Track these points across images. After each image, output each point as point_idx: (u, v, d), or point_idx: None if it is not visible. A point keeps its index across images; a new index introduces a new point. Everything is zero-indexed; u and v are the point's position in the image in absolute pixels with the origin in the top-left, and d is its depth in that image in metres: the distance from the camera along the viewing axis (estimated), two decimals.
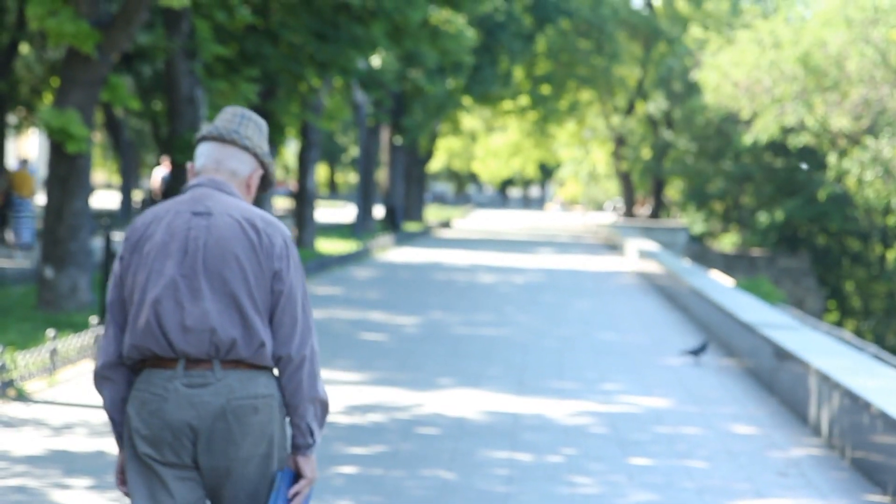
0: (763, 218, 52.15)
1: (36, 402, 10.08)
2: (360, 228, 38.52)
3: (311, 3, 23.27)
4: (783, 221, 50.48)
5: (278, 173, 73.79)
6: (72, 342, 11.65)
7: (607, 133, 64.88)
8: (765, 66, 39.57)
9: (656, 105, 58.85)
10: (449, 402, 10.76)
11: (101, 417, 9.49)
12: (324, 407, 3.99)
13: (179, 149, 20.03)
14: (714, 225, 58.08)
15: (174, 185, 20.13)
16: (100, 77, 15.51)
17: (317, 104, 30.34)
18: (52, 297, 15.41)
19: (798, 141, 40.36)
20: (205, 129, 4.11)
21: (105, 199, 56.42)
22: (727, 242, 55.01)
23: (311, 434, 3.97)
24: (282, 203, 62.88)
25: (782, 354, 11.51)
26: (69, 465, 7.96)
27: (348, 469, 8.10)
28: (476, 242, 41.90)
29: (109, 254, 14.23)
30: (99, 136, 53.62)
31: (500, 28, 45.15)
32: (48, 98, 35.15)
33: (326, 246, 31.90)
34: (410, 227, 47.14)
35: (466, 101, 49.26)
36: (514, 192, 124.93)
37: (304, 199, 31.89)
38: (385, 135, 48.42)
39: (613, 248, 40.96)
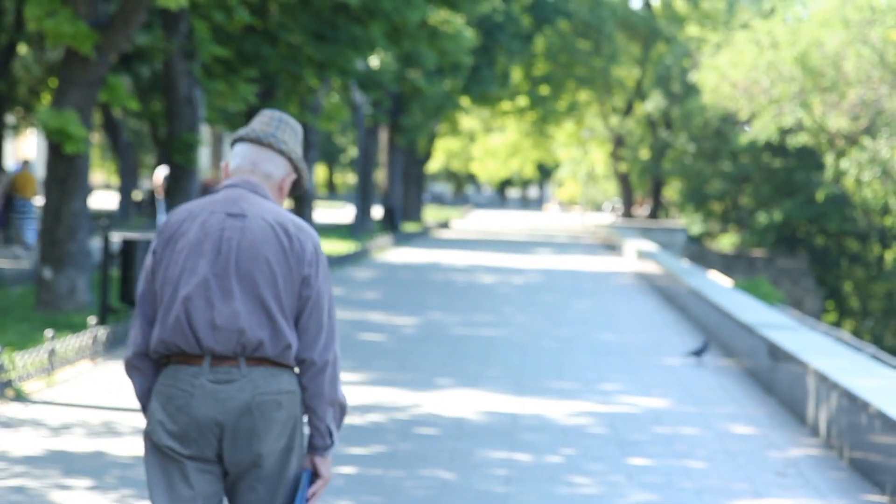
0: (761, 218, 52.17)
1: (34, 402, 10.08)
2: (358, 229, 38.52)
3: (309, 3, 23.28)
4: (781, 222, 50.49)
5: None
6: (70, 343, 11.65)
7: (606, 133, 64.91)
8: (763, 66, 39.59)
9: (655, 105, 58.86)
10: (448, 403, 10.76)
11: (100, 418, 9.49)
12: (342, 410, 4.10)
13: (178, 149, 20.02)
14: (712, 225, 58.10)
15: (174, 184, 20.12)
16: (98, 78, 15.51)
17: (315, 105, 30.34)
18: (50, 297, 15.41)
19: (796, 141, 40.38)
20: (242, 130, 4.18)
21: (103, 199, 56.41)
22: (726, 243, 55.03)
23: (330, 435, 4.06)
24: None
25: (781, 355, 11.52)
26: (68, 465, 7.96)
27: (347, 469, 8.10)
28: (475, 243, 41.90)
29: (108, 254, 14.23)
30: (97, 137, 53.62)
31: (499, 29, 45.16)
32: (46, 99, 35.14)
33: (325, 246, 31.89)
34: (409, 227, 47.14)
35: (465, 101, 49.27)
36: (513, 193, 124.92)
37: (302, 200, 31.89)
38: (384, 135, 48.43)
39: (612, 248, 40.96)
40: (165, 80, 20.41)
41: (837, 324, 46.01)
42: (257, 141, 4.13)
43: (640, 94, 61.27)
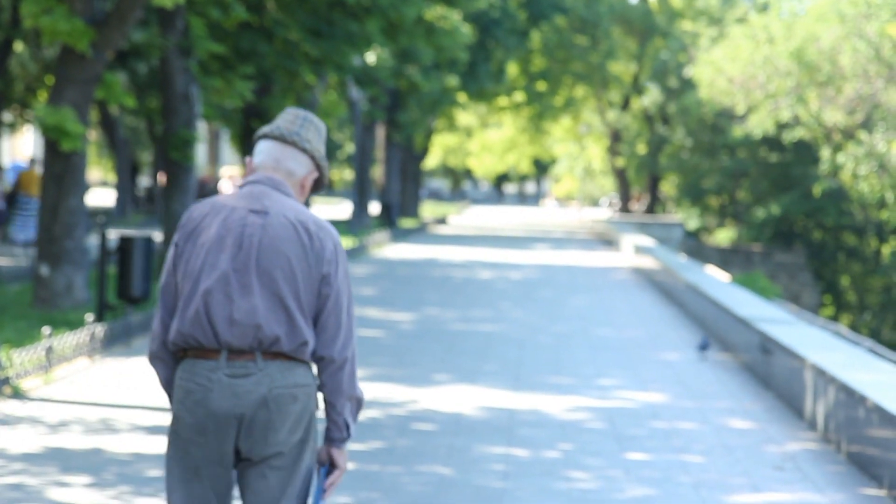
0: (758, 213, 52.18)
1: (32, 399, 10.08)
2: (355, 225, 38.51)
3: None
4: (779, 216, 50.51)
5: None
6: (67, 340, 11.64)
7: (602, 129, 64.90)
8: (759, 61, 39.58)
9: (651, 100, 58.85)
10: (445, 398, 10.76)
11: (97, 415, 9.49)
12: (359, 404, 4.18)
13: (174, 146, 20.01)
14: (710, 220, 58.13)
15: (171, 181, 20.11)
16: (94, 75, 15.50)
17: (312, 101, 30.32)
18: (47, 294, 15.40)
19: (792, 135, 40.37)
20: (266, 127, 4.22)
21: (100, 196, 56.37)
22: (723, 237, 55.06)
23: (347, 428, 4.15)
24: None
25: (778, 349, 11.52)
26: (66, 462, 7.96)
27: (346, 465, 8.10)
28: (472, 239, 41.90)
29: (105, 251, 14.22)
30: (94, 134, 53.58)
31: (495, 24, 45.14)
32: (43, 96, 35.10)
33: None
34: (406, 223, 47.13)
35: (461, 97, 49.25)
36: (510, 189, 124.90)
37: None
38: (380, 131, 48.42)
39: (609, 243, 40.97)
40: (162, 76, 20.40)
41: (835, 318, 46.04)
42: (281, 138, 4.17)
43: (636, 89, 61.26)
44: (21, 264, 21.67)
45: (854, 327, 43.78)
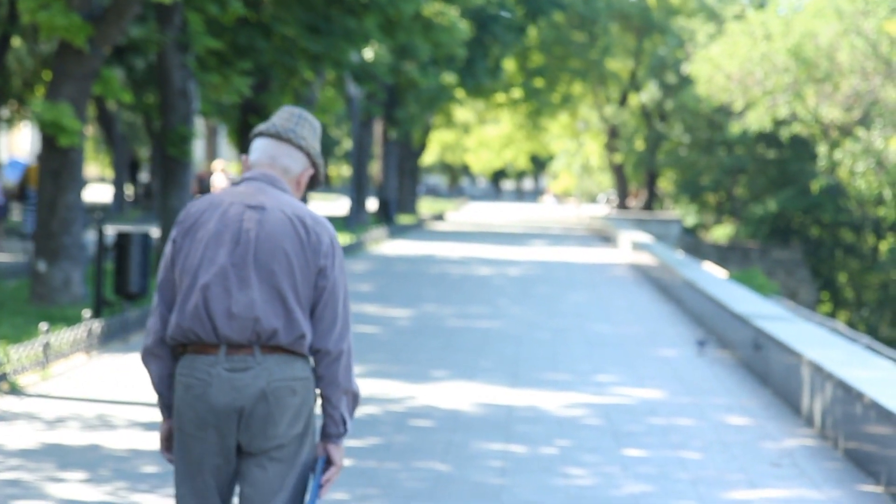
0: (756, 209, 52.18)
1: (29, 395, 10.08)
2: (353, 221, 38.51)
3: None
4: (776, 213, 50.51)
5: None
6: (65, 336, 11.64)
7: (600, 125, 64.89)
8: (756, 58, 39.57)
9: (649, 96, 58.84)
10: (443, 395, 10.76)
11: (94, 411, 9.49)
12: (356, 399, 4.21)
13: (172, 142, 20.00)
14: (707, 217, 58.13)
15: (168, 177, 20.09)
16: (92, 70, 15.48)
17: (310, 97, 30.31)
18: (44, 290, 15.39)
19: (789, 131, 40.36)
20: (262, 125, 4.30)
21: (98, 192, 56.35)
22: (720, 234, 55.07)
23: (344, 423, 4.19)
24: None
25: (775, 346, 11.53)
26: (63, 458, 7.96)
27: (343, 461, 8.09)
28: (469, 235, 41.90)
29: (102, 247, 14.21)
30: (91, 130, 53.55)
31: (493, 20, 45.13)
32: (40, 91, 35.07)
33: None
34: (404, 219, 47.13)
35: (459, 93, 49.22)
36: (508, 185, 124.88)
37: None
38: (378, 127, 48.39)
39: (607, 240, 40.98)
40: (159, 72, 20.38)
41: (832, 314, 46.06)
42: (277, 136, 4.25)
43: (634, 85, 61.25)
44: (18, 260, 21.67)
45: (851, 324, 43.81)
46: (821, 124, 39.68)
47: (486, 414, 10.00)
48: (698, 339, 14.50)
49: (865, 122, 37.69)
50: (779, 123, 41.38)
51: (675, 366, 13.09)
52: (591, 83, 60.33)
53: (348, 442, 8.70)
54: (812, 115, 38.99)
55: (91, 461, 7.91)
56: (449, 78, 44.61)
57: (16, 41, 32.81)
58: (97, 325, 12.40)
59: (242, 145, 25.79)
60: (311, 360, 4.16)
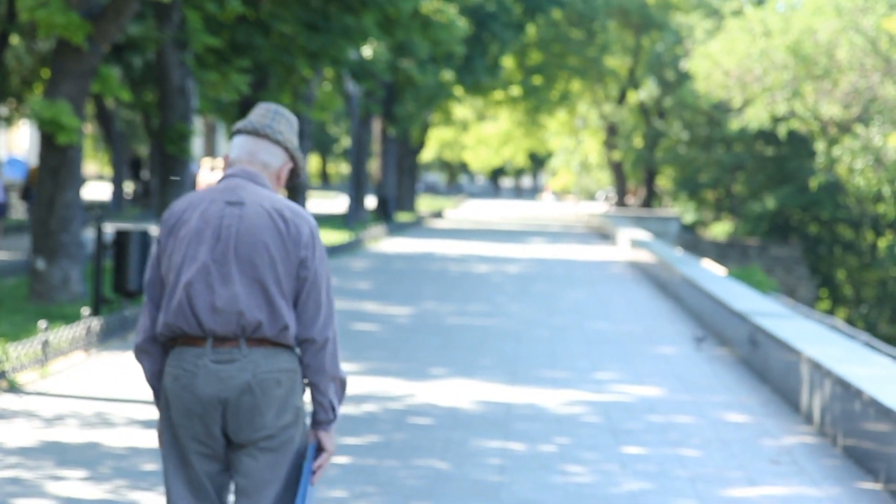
0: (755, 206, 52.19)
1: (28, 393, 10.08)
2: (352, 219, 38.51)
3: None
4: (775, 210, 50.52)
5: None
6: (63, 334, 11.64)
7: (599, 122, 64.88)
8: (755, 54, 39.55)
9: (648, 94, 58.84)
10: (442, 392, 10.76)
11: (93, 409, 9.49)
12: (343, 385, 4.28)
13: (170, 140, 19.99)
14: (706, 214, 58.14)
15: (166, 175, 20.10)
16: (90, 68, 15.47)
17: (308, 95, 30.30)
18: (43, 288, 15.39)
19: (787, 127, 40.32)
20: (240, 123, 4.38)
21: (96, 190, 56.32)
22: (719, 231, 55.07)
23: (333, 410, 4.25)
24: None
25: (774, 343, 11.53)
26: (62, 456, 7.96)
27: (342, 459, 8.11)
28: (468, 232, 41.90)
29: (101, 245, 14.21)
30: (90, 128, 53.52)
31: (491, 18, 45.12)
32: (39, 89, 35.05)
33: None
34: (403, 217, 47.12)
35: (458, 91, 49.21)
36: (506, 183, 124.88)
37: (296, 190, 31.87)
38: (377, 125, 48.39)
39: (605, 237, 40.98)
40: (158, 70, 20.38)
41: (831, 312, 46.08)
42: (254, 132, 4.33)
43: (632, 82, 61.24)
44: (17, 258, 21.66)
45: (850, 321, 43.81)
46: (819, 121, 39.68)
47: (485, 412, 10.00)
48: (696, 335, 14.52)
49: (864, 118, 37.69)
50: (777, 120, 41.38)
51: (674, 363, 13.10)
52: (589, 80, 60.32)
53: (347, 439, 8.70)
54: (811, 112, 38.99)
55: (90, 459, 7.91)
56: (447, 75, 44.62)
57: (14, 39, 32.80)
58: (96, 323, 12.40)
59: None
60: (298, 350, 4.24)
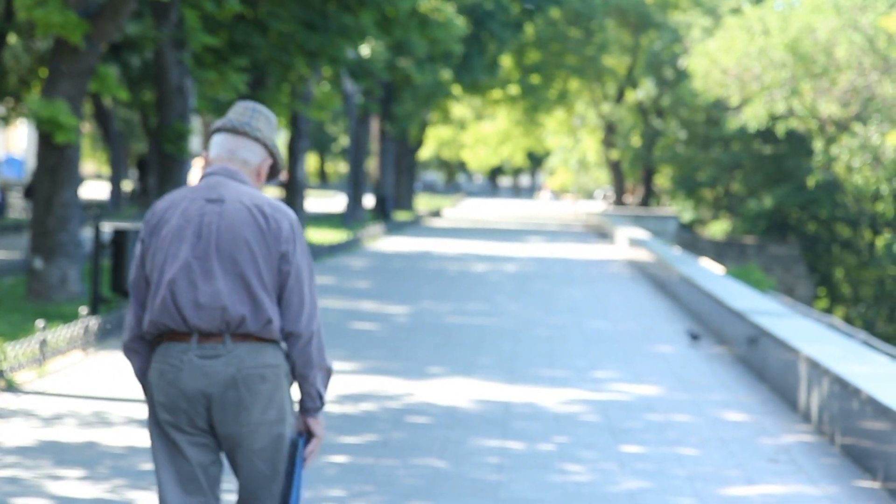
0: (752, 205, 52.19)
1: (26, 392, 10.07)
2: (350, 218, 38.50)
3: None
4: (773, 208, 50.52)
5: None
6: (61, 333, 11.63)
7: (597, 121, 64.88)
8: (754, 53, 39.54)
9: (646, 93, 58.83)
10: (440, 391, 10.76)
11: (91, 408, 9.48)
12: (329, 373, 4.35)
13: (168, 139, 19.99)
14: (704, 213, 58.14)
15: (164, 174, 20.09)
16: (88, 67, 15.47)
17: (306, 94, 30.29)
18: (41, 287, 15.38)
19: (785, 125, 40.31)
20: (219, 121, 4.43)
21: (94, 189, 56.30)
22: (717, 230, 55.07)
23: (320, 397, 4.32)
24: (272, 193, 62.83)
25: (772, 341, 11.53)
26: (60, 455, 7.96)
27: (340, 458, 8.10)
28: (466, 231, 41.90)
29: (99, 244, 14.20)
30: (88, 127, 53.49)
31: (489, 17, 45.11)
32: (37, 88, 35.03)
33: (317, 236, 31.87)
34: (401, 216, 47.11)
35: (456, 90, 49.20)
36: (505, 182, 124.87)
37: (294, 189, 31.86)
38: (375, 124, 48.38)
39: (604, 236, 40.98)
40: (156, 69, 20.37)
41: (829, 310, 46.09)
42: (233, 130, 4.40)
43: (631, 81, 61.24)
44: (15, 257, 21.65)
45: (848, 319, 43.82)
46: (818, 119, 39.69)
47: (483, 410, 10.00)
48: (690, 331, 14.52)
49: (862, 117, 37.69)
50: (775, 119, 41.38)
51: (673, 362, 13.10)
52: (587, 79, 60.32)
53: (345, 438, 8.70)
54: (809, 111, 38.99)
55: (88, 458, 7.90)
56: (445, 74, 44.60)
57: (12, 38, 32.78)
58: (94, 322, 12.40)
59: None
60: (284, 344, 4.29)
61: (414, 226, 45.01)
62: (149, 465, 7.71)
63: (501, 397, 10.59)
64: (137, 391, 10.01)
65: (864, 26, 36.25)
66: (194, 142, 46.59)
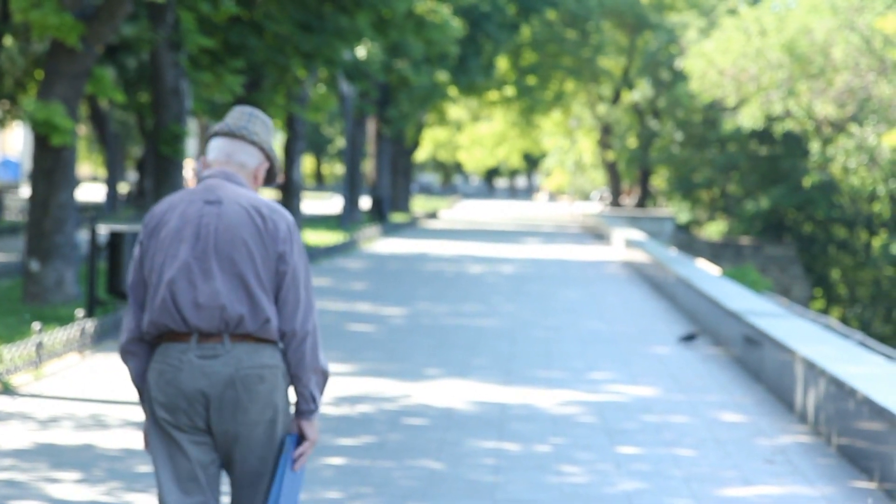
0: (749, 206, 52.21)
1: (22, 395, 10.06)
2: (346, 219, 38.49)
3: None
4: (769, 209, 50.54)
5: None
6: (58, 335, 11.62)
7: (593, 122, 64.90)
8: (750, 54, 39.56)
9: (642, 94, 58.86)
10: (436, 393, 10.76)
11: (88, 410, 9.48)
12: (324, 376, 4.38)
13: (165, 141, 19.98)
14: (700, 214, 58.16)
15: (161, 175, 20.08)
16: (84, 69, 15.46)
17: (302, 95, 30.29)
18: (37, 290, 15.37)
19: (782, 127, 40.33)
20: (216, 126, 4.51)
21: (90, 191, 56.28)
22: (713, 231, 55.10)
23: (314, 400, 4.36)
24: (269, 194, 62.82)
25: (768, 342, 11.53)
26: (56, 458, 7.95)
27: (336, 460, 8.10)
28: (463, 233, 41.90)
29: (95, 247, 14.20)
30: (84, 129, 53.48)
31: (485, 18, 45.12)
32: (32, 91, 35.02)
33: (313, 237, 31.88)
34: (397, 217, 47.12)
35: (452, 91, 49.22)
36: (501, 183, 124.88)
37: (290, 191, 31.85)
38: (371, 126, 48.38)
39: (600, 237, 40.99)
40: (152, 71, 20.37)
41: (825, 311, 46.11)
42: (230, 134, 4.46)
43: (627, 82, 61.26)
44: (11, 259, 21.63)
45: (844, 320, 43.85)
46: (814, 120, 39.71)
47: (479, 412, 10.00)
48: (684, 334, 14.56)
49: (859, 118, 37.73)
50: (772, 120, 41.40)
51: (669, 363, 13.10)
52: (583, 81, 60.34)
53: (341, 440, 8.70)
54: (805, 112, 39.02)
55: (85, 461, 7.90)
56: (442, 76, 44.61)
57: (8, 40, 32.78)
58: (90, 325, 12.39)
59: None
60: (280, 344, 4.33)
61: (410, 227, 45.01)
62: (145, 468, 7.70)
63: (498, 398, 10.59)
64: (134, 394, 10.01)
65: (860, 27, 36.28)
66: (190, 144, 46.59)
